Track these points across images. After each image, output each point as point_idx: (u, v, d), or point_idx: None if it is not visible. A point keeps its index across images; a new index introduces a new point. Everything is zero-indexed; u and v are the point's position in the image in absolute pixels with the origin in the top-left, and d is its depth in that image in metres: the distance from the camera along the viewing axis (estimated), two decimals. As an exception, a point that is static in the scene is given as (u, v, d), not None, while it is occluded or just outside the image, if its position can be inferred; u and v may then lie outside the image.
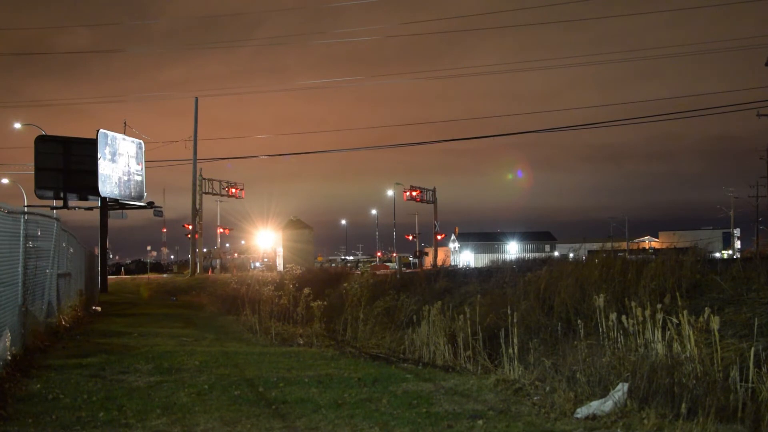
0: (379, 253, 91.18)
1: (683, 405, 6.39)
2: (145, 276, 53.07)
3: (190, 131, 46.14)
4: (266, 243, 61.62)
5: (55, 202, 35.67)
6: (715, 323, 7.43)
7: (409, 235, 79.71)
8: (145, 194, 37.63)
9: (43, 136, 36.19)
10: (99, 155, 32.78)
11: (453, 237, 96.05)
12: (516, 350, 9.33)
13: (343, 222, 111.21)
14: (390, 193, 77.12)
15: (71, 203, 35.93)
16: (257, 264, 64.21)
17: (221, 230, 65.19)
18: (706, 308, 7.91)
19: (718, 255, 53.59)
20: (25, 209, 10.95)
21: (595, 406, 6.58)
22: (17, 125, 46.48)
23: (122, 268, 71.11)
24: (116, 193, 34.50)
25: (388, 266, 55.45)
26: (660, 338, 7.94)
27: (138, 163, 36.69)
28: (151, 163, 53.14)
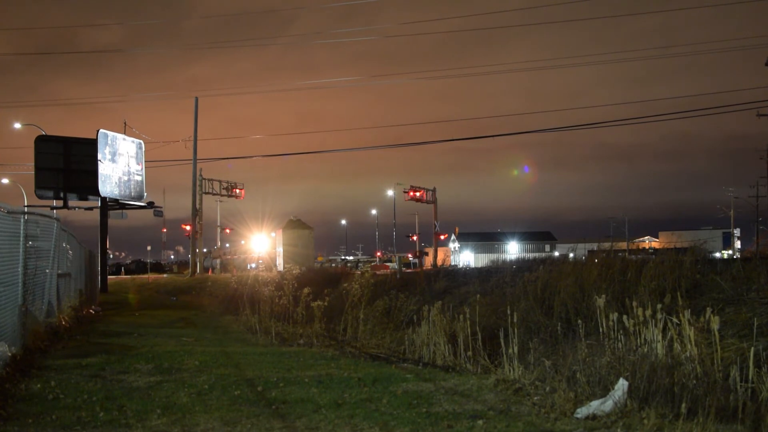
0: (379, 253, 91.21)
1: (683, 405, 6.39)
2: (145, 276, 53.11)
3: (204, 129, 46.25)
4: (266, 243, 61.65)
5: (55, 202, 35.69)
6: (715, 323, 7.42)
7: (409, 235, 79.75)
8: (145, 194, 37.66)
9: (43, 135, 36.18)
10: (99, 155, 32.79)
11: (453, 237, 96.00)
12: (516, 350, 9.32)
13: (343, 222, 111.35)
14: (390, 193, 77.28)
15: (71, 203, 35.96)
16: (252, 265, 64.23)
17: (221, 230, 65.24)
18: (706, 308, 7.90)
19: (718, 255, 53.55)
20: (25, 209, 10.95)
21: (595, 406, 6.57)
22: (17, 125, 46.49)
23: (122, 268, 71.08)
24: (116, 193, 34.50)
25: (388, 266, 55.45)
26: (660, 338, 7.93)
27: (138, 163, 36.70)
28: (151, 163, 53.22)
